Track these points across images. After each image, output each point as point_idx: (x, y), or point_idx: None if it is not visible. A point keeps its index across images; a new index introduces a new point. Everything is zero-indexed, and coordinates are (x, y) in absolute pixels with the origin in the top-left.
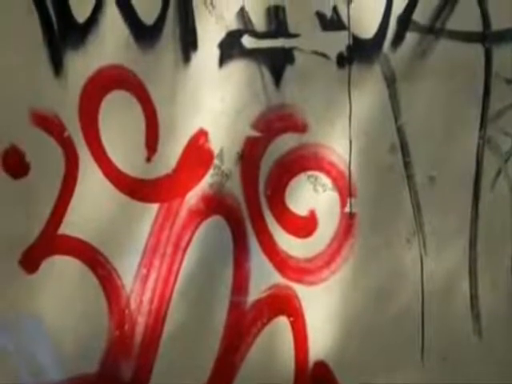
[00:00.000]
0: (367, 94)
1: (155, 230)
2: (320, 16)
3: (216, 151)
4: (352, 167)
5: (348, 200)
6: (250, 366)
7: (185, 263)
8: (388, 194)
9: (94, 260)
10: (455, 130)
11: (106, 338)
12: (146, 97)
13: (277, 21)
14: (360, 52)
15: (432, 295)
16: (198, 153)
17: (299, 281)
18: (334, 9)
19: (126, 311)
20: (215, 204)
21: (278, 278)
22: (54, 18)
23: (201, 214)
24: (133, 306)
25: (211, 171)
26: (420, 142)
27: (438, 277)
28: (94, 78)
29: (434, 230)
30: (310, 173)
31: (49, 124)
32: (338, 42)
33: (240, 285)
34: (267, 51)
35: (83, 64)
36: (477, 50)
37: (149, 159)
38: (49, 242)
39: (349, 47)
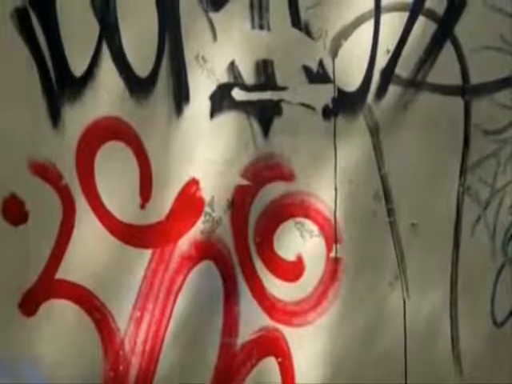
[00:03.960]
0: (352, 144)
1: (149, 275)
2: (306, 70)
3: (207, 199)
4: (337, 214)
5: (334, 245)
6: None
7: (177, 306)
8: (372, 240)
9: (90, 304)
10: (436, 179)
11: (101, 379)
12: (140, 147)
13: (265, 74)
14: (345, 104)
15: (414, 337)
16: (189, 201)
17: (287, 323)
18: (320, 63)
19: (121, 353)
20: (206, 250)
21: (266, 321)
22: (52, 72)
23: (192, 260)
24: (127, 347)
25: (202, 218)
26: (403, 190)
27: (420, 319)
28: (90, 129)
29: (417, 274)
30: (297, 219)
31: (47, 173)
32: (323, 95)
33: (230, 327)
34: (256, 103)
35: (80, 116)
36: (457, 103)
37: (143, 207)
38: (47, 287)
39: (334, 99)
